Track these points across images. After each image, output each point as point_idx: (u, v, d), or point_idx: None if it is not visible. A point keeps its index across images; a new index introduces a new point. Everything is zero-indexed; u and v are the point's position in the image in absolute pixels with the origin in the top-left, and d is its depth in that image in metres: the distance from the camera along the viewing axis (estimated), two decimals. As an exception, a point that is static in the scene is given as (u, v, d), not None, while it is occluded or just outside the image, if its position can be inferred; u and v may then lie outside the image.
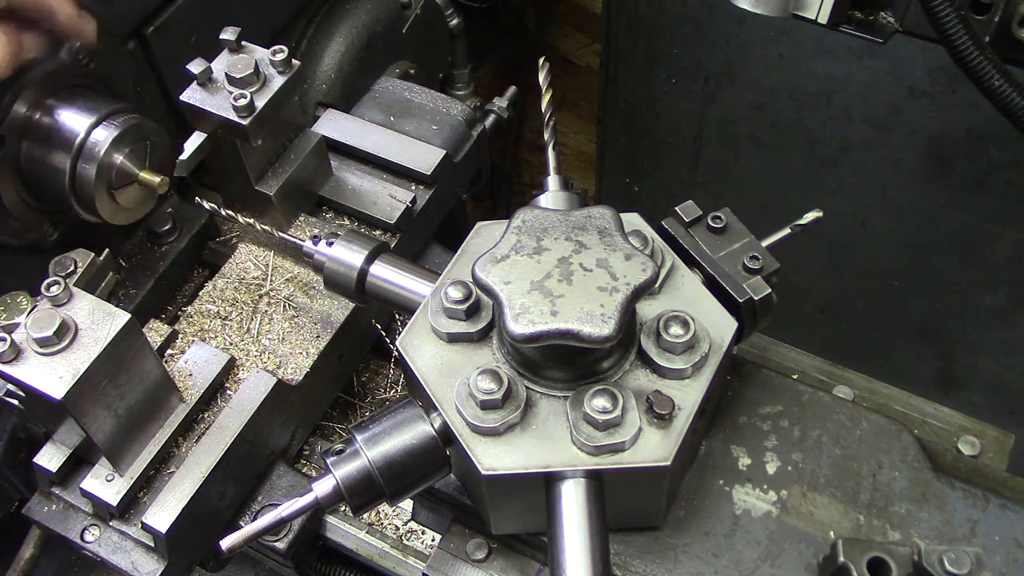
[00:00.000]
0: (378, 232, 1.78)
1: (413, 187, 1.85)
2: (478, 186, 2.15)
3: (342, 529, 1.70)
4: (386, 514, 1.78)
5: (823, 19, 1.76)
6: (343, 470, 1.26)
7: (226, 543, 1.24)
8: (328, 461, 1.27)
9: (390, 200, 1.79)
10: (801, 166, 2.95)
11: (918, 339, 3.18)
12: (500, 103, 2.22)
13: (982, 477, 1.45)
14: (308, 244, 1.53)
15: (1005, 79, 1.56)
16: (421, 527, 1.74)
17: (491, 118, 2.18)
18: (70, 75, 1.54)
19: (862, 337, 3.29)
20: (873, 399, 2.31)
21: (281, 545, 1.56)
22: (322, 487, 1.27)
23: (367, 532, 1.71)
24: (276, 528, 1.28)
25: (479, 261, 1.22)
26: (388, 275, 1.50)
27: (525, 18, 3.26)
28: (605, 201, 1.39)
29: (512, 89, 2.27)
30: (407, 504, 1.64)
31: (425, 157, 1.86)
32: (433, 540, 1.73)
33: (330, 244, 1.51)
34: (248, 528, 1.25)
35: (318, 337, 1.67)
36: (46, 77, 1.50)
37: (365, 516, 1.77)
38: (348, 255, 1.50)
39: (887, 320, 3.19)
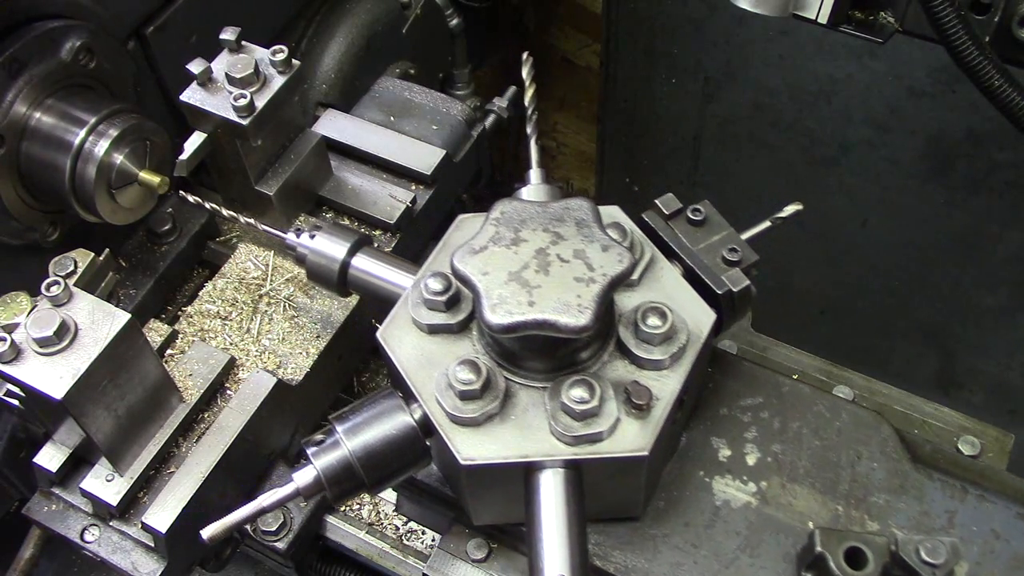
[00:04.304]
0: (378, 232, 1.78)
1: (413, 187, 1.85)
2: (478, 186, 2.14)
3: (342, 529, 1.70)
4: (386, 514, 1.78)
5: (823, 19, 1.76)
6: (323, 460, 1.26)
7: (207, 532, 1.24)
8: (308, 451, 1.27)
9: (390, 200, 1.79)
10: (801, 166, 2.95)
11: (918, 339, 3.18)
12: (500, 103, 2.22)
13: (960, 468, 1.46)
14: (291, 237, 1.53)
15: (1005, 79, 1.56)
16: (421, 527, 1.74)
17: (491, 118, 2.18)
18: (70, 75, 1.54)
19: (862, 337, 3.29)
20: (873, 399, 2.31)
21: (281, 545, 1.56)
22: (302, 477, 1.27)
23: (367, 532, 1.71)
24: (257, 517, 1.27)
25: (457, 252, 1.23)
26: (370, 267, 1.50)
27: (525, 18, 3.26)
28: (605, 201, 1.40)
29: (512, 89, 2.27)
30: (407, 504, 1.64)
31: (425, 157, 1.85)
32: (433, 540, 1.73)
33: (312, 236, 1.52)
34: (230, 517, 1.25)
35: (318, 337, 1.67)
36: (46, 77, 1.50)
37: (365, 516, 1.77)
38: (330, 247, 1.51)
39: (887, 320, 3.19)
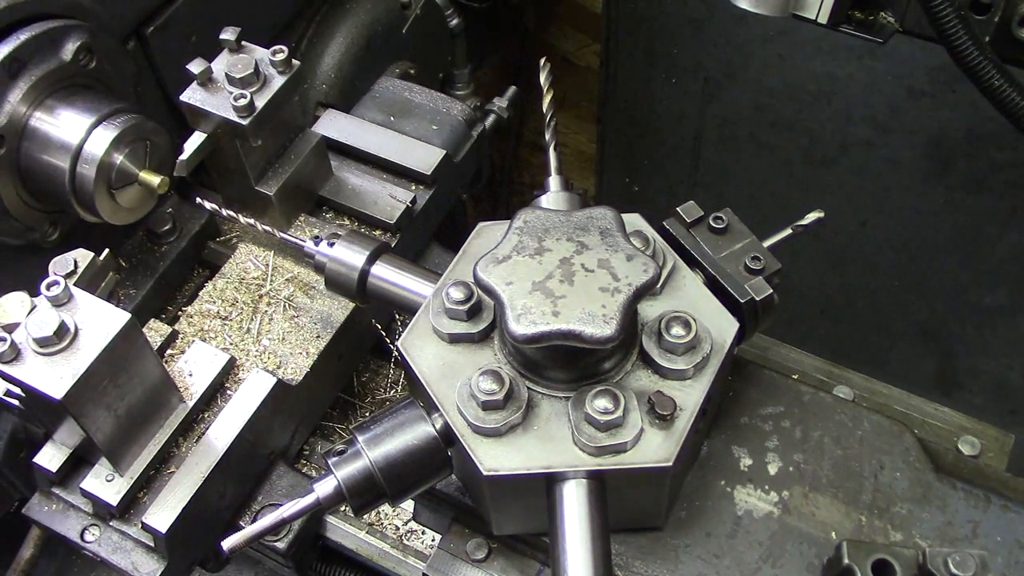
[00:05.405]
0: (378, 232, 1.78)
1: (413, 187, 1.85)
2: (478, 186, 2.15)
3: (342, 529, 1.70)
4: (386, 514, 1.78)
5: (823, 19, 1.77)
6: (345, 471, 1.26)
7: (227, 543, 1.24)
8: (330, 462, 1.27)
9: (390, 200, 1.79)
10: (801, 166, 2.95)
11: (918, 339, 3.18)
12: (500, 103, 2.22)
13: (983, 478, 1.45)
14: (309, 245, 1.54)
15: (1005, 79, 1.56)
16: (421, 527, 1.74)
17: (491, 118, 2.18)
18: (70, 75, 1.54)
19: (862, 337, 3.29)
20: (873, 399, 2.31)
21: (281, 545, 1.56)
22: (324, 488, 1.27)
23: (367, 532, 1.71)
24: (277, 528, 1.28)
25: (481, 262, 1.22)
26: (389, 275, 1.50)
27: (525, 18, 3.26)
28: (605, 201, 1.39)
29: (512, 89, 2.27)
30: (407, 504, 1.63)
31: (425, 157, 1.85)
32: (433, 540, 1.73)
33: (331, 245, 1.52)
34: (250, 529, 1.25)
35: (318, 337, 1.67)
36: (46, 77, 1.50)
37: (365, 516, 1.77)
38: (349, 256, 1.50)
39: (887, 320, 3.19)
